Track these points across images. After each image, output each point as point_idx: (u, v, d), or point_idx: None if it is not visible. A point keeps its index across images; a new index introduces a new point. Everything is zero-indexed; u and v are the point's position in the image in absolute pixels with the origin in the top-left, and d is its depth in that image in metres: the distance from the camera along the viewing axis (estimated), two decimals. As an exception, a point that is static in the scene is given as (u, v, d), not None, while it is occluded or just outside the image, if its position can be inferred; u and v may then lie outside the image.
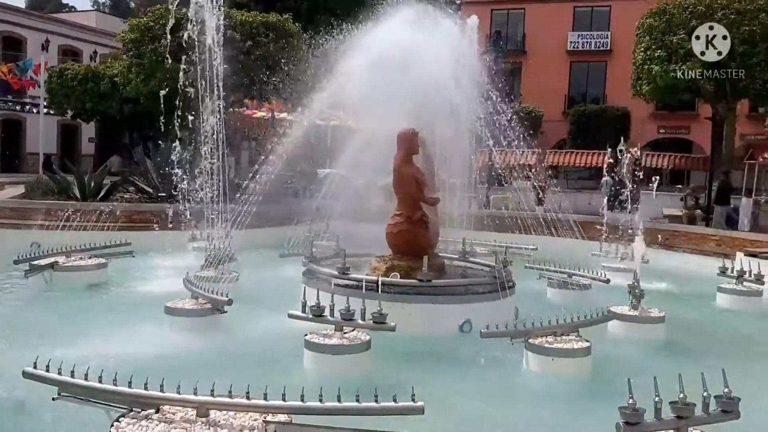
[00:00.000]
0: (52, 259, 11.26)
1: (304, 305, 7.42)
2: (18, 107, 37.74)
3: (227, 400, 4.69)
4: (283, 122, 19.00)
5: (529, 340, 7.41)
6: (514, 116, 18.88)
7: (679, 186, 26.66)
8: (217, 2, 13.28)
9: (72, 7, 74.63)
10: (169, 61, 15.25)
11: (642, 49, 18.65)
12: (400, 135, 9.52)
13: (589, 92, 38.49)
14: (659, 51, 17.71)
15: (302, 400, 4.62)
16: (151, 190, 17.33)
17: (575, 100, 38.07)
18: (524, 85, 38.20)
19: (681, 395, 4.73)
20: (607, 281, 11.16)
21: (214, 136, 12.34)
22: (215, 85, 12.74)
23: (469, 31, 12.75)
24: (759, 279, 11.42)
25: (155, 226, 14.64)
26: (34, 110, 34.90)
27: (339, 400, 4.64)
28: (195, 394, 4.73)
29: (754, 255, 13.65)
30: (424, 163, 10.20)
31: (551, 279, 11.56)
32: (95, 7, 77.68)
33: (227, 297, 8.18)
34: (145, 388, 4.79)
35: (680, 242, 16.83)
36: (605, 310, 8.15)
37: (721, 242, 15.97)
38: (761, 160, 17.97)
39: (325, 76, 9.70)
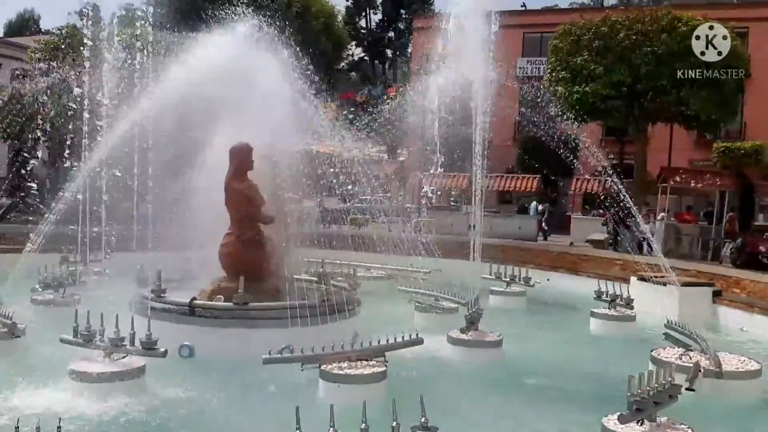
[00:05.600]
0: None
1: (75, 329, 6.90)
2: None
3: None
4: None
5: (322, 367, 6.91)
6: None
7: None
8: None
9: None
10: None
11: (549, 70, 18.48)
12: (232, 150, 9.08)
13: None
14: (563, 72, 17.50)
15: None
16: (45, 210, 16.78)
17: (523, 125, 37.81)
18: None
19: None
20: (465, 304, 10.68)
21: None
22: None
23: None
24: (628, 303, 11.01)
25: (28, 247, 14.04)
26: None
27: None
28: None
29: (645, 279, 13.26)
30: (271, 183, 9.75)
31: (418, 302, 11.09)
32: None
33: (11, 320, 7.64)
34: None
35: (587, 266, 16.46)
36: (415, 333, 7.61)
37: (626, 267, 15.56)
38: (672, 183, 17.66)
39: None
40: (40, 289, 10.33)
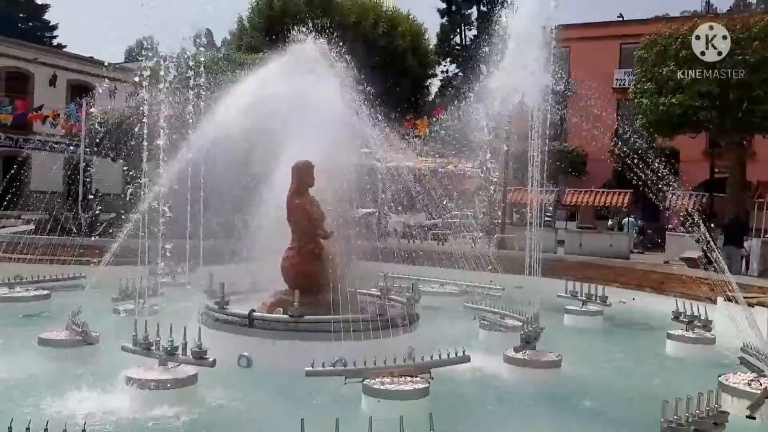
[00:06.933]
0: (-7, 290, 11.70)
1: (134, 338, 7.29)
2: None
3: None
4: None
5: (365, 381, 6.97)
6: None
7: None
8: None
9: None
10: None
11: (634, 82, 17.81)
12: (294, 166, 9.35)
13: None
14: (648, 83, 16.80)
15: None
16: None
17: (622, 139, 36.57)
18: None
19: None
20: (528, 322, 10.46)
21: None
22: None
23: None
24: (706, 325, 10.43)
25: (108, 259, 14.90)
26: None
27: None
28: None
29: (731, 300, 12.50)
30: (332, 197, 9.96)
31: (483, 320, 10.96)
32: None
33: (82, 327, 8.16)
34: None
35: (673, 285, 15.68)
36: (462, 350, 7.53)
37: (714, 286, 14.75)
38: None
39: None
40: (121, 299, 10.92)
